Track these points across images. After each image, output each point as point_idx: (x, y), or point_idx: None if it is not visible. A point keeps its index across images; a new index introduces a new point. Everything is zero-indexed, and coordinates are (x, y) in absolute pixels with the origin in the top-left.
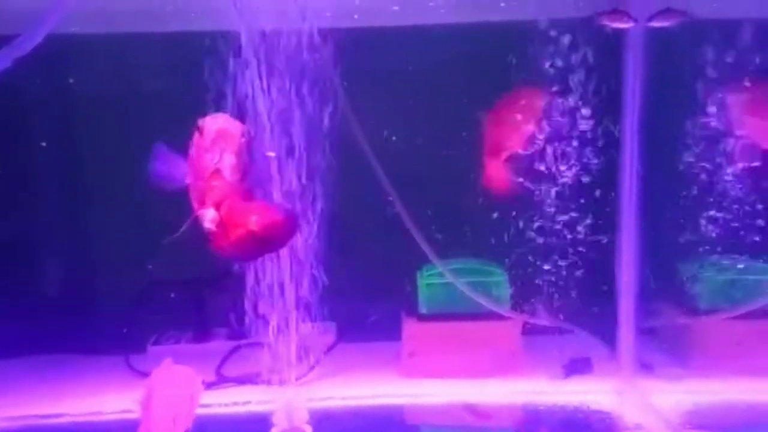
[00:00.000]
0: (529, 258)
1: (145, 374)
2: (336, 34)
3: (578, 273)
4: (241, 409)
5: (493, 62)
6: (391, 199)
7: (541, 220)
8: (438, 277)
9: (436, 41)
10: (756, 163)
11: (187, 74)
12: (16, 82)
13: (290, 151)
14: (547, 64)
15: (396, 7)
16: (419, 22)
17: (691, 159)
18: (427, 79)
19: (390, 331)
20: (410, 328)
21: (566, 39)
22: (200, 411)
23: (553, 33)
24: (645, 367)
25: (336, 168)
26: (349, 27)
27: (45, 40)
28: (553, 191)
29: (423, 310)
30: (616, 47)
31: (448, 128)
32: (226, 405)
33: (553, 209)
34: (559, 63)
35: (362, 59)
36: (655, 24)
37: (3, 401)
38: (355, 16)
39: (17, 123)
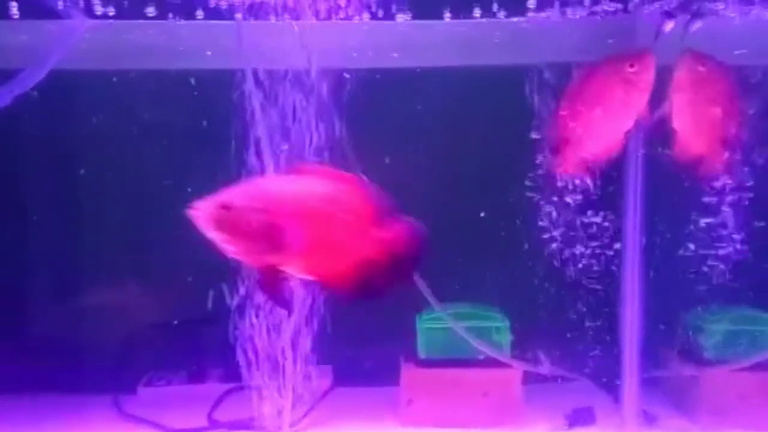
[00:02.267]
0: (532, 305)
1: (134, 417)
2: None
3: (582, 321)
4: None
5: (492, 105)
6: None
7: (545, 269)
8: (438, 322)
9: (436, 83)
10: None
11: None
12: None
13: None
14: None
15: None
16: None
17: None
18: (429, 121)
19: (388, 376)
20: (409, 373)
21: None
22: None
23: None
24: (649, 419)
25: None
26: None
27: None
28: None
29: (422, 355)
30: None
31: (450, 170)
32: None
33: (558, 258)
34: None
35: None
36: None
37: None
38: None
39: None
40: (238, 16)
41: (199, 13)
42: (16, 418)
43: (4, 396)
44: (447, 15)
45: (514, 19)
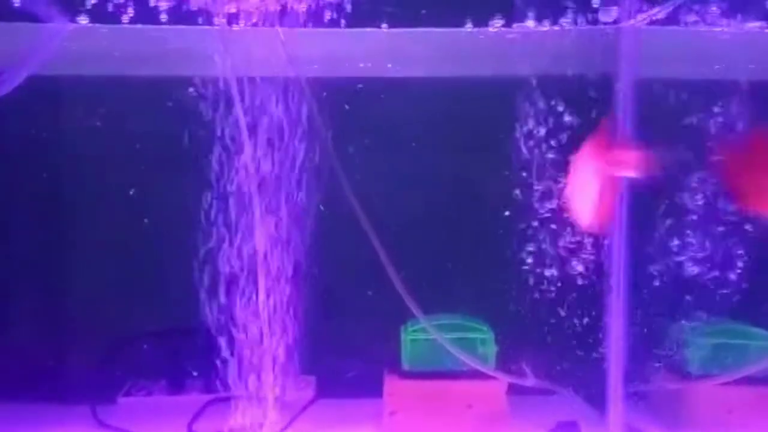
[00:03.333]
0: (517, 316)
1: (113, 428)
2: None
3: (566, 333)
4: None
5: (482, 117)
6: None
7: (529, 279)
8: (422, 333)
9: (423, 94)
10: None
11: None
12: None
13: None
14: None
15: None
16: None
17: (678, 222)
18: (415, 132)
19: (371, 388)
20: (392, 385)
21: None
22: None
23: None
24: None
25: (321, 221)
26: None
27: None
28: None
29: (406, 366)
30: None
31: (436, 181)
32: None
33: (542, 268)
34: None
35: (351, 109)
36: None
37: None
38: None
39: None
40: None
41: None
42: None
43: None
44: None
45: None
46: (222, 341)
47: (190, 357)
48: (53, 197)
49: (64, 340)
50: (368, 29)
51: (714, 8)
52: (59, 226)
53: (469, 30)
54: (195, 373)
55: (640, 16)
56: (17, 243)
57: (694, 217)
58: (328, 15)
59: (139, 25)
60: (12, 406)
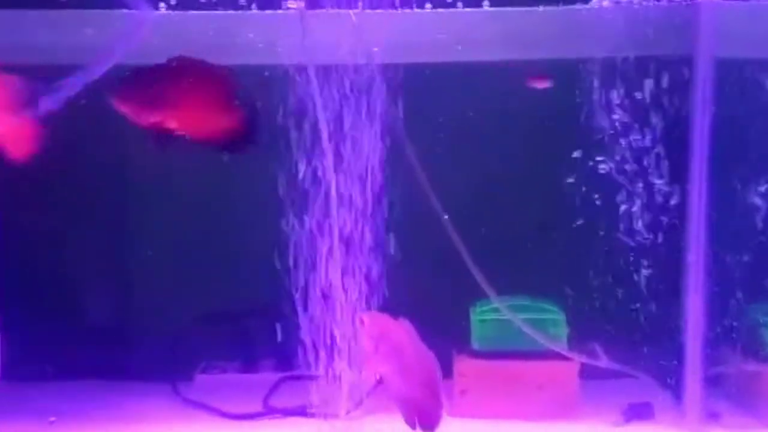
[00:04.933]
0: (589, 298)
1: (192, 402)
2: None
3: (643, 315)
4: None
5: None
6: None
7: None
8: (492, 313)
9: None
10: None
11: None
12: None
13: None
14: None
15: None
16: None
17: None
18: (486, 115)
19: (446, 370)
20: (462, 365)
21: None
22: None
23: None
24: (712, 416)
25: (392, 201)
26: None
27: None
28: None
29: (476, 346)
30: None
31: (511, 162)
32: None
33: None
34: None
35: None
36: None
37: (54, 424)
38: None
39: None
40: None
41: None
42: (79, 403)
43: (68, 383)
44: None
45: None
46: (295, 322)
47: (263, 336)
48: (125, 184)
49: (143, 323)
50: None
51: None
52: (134, 210)
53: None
54: (268, 352)
55: None
56: (93, 225)
57: None
58: None
59: None
60: (96, 383)
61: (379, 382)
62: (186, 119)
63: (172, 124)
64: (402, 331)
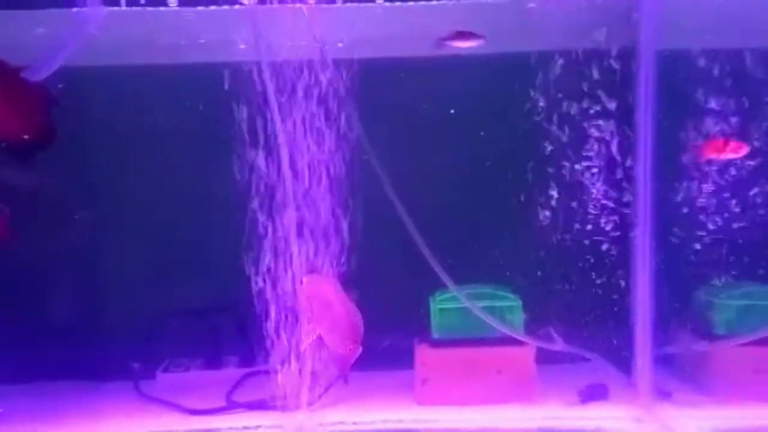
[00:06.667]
0: (544, 284)
1: (153, 398)
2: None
3: (594, 300)
4: None
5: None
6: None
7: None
8: (451, 302)
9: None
10: None
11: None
12: None
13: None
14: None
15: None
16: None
17: (706, 185)
18: (442, 109)
19: (404, 360)
20: (423, 354)
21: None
22: None
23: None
24: (663, 395)
25: (350, 195)
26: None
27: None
28: (566, 217)
29: (436, 335)
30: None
31: (466, 154)
32: (236, 430)
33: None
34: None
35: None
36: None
37: (13, 425)
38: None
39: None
40: None
41: None
42: (40, 403)
43: (28, 384)
44: None
45: None
46: (257, 318)
47: (226, 334)
48: (94, 180)
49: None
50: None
51: None
52: (102, 205)
53: None
54: (231, 349)
55: None
56: (56, 226)
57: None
58: None
59: None
60: (58, 385)
61: (318, 338)
62: None
63: None
64: (331, 288)
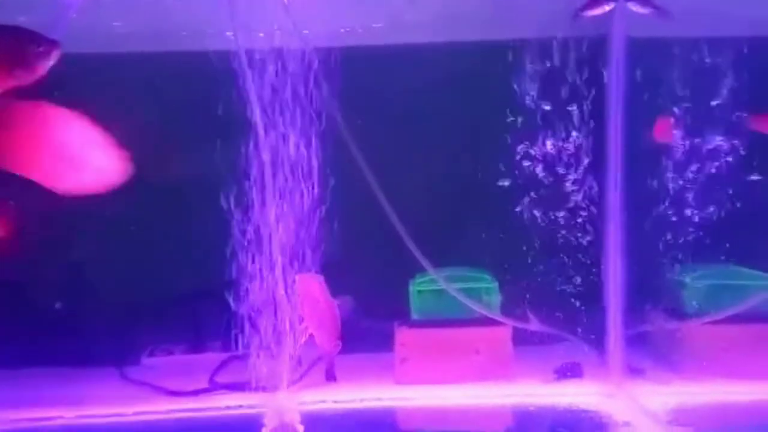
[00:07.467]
0: (519, 266)
1: (136, 381)
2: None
3: (567, 281)
4: (234, 413)
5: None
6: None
7: (530, 231)
8: (429, 285)
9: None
10: None
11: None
12: None
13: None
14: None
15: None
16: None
17: (676, 168)
18: (418, 96)
19: (387, 343)
20: (402, 334)
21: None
22: (193, 416)
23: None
24: (636, 372)
25: (329, 180)
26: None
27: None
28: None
29: (415, 316)
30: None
31: (442, 140)
32: (218, 409)
33: (541, 219)
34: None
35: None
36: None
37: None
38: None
39: None
40: None
41: None
42: (26, 390)
43: (14, 371)
44: None
45: None
46: (238, 303)
47: (208, 318)
48: None
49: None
50: None
51: None
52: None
53: None
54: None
55: None
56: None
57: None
58: None
59: None
60: (43, 371)
61: (310, 336)
62: None
63: None
64: (317, 286)
